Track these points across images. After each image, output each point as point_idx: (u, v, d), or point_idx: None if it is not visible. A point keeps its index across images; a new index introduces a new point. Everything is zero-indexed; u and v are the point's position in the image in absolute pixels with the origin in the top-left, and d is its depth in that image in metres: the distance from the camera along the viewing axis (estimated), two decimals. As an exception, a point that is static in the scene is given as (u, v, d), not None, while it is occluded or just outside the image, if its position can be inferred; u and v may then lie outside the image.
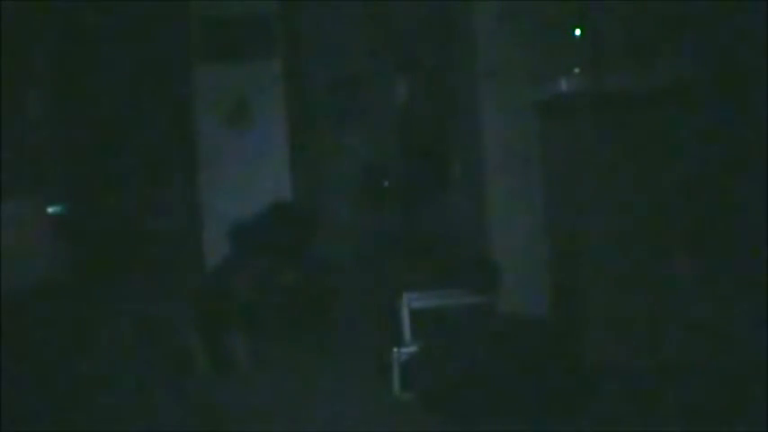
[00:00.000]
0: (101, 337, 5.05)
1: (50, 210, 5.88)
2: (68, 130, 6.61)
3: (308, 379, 4.83)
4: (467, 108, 5.48)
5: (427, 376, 4.18)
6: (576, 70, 4.41)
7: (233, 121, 6.65)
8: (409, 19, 7.05)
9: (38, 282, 5.24)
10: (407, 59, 7.19)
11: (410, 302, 4.50)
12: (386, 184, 7.28)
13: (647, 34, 4.33)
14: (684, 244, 3.94)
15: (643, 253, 4.01)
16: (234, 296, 5.49)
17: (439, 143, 6.36)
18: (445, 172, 6.12)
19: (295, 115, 6.92)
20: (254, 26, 6.66)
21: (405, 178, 7.06)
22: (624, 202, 4.04)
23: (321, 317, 6.09)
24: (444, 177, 6.13)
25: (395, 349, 4.42)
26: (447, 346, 4.19)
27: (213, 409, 4.31)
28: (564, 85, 4.15)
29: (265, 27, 6.67)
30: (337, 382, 4.72)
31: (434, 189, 6.32)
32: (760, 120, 3.78)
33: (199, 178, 6.74)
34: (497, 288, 4.66)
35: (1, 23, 5.68)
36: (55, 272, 5.51)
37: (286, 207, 6.32)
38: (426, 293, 4.56)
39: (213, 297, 5.52)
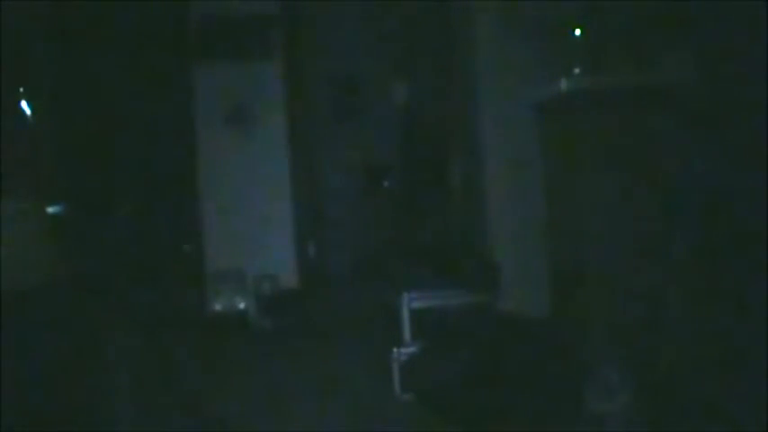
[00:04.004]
0: (102, 338, 5.04)
1: (50, 210, 5.87)
2: (68, 130, 6.60)
3: (307, 379, 4.84)
4: (467, 108, 5.47)
5: (427, 376, 4.18)
6: (576, 70, 4.41)
7: (233, 121, 6.65)
8: (409, 19, 7.06)
9: (38, 282, 5.23)
10: (407, 60, 7.20)
11: (410, 302, 4.49)
12: (386, 184, 7.29)
13: (647, 34, 4.33)
14: (685, 243, 3.94)
15: (644, 253, 4.01)
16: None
17: (439, 143, 6.35)
18: (445, 172, 6.12)
19: (295, 115, 6.92)
20: (254, 26, 6.66)
21: (405, 179, 7.07)
22: (624, 201, 4.04)
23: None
24: (444, 177, 6.13)
25: (395, 349, 4.41)
26: (447, 346, 4.19)
27: (212, 409, 4.30)
28: (564, 85, 4.14)
29: (265, 27, 6.66)
30: (337, 382, 4.72)
31: (434, 189, 6.33)
32: (760, 120, 3.77)
33: (198, 178, 6.73)
34: (497, 288, 4.66)
35: (1, 23, 5.67)
36: (55, 272, 5.50)
37: None
38: (426, 293, 4.55)
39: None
